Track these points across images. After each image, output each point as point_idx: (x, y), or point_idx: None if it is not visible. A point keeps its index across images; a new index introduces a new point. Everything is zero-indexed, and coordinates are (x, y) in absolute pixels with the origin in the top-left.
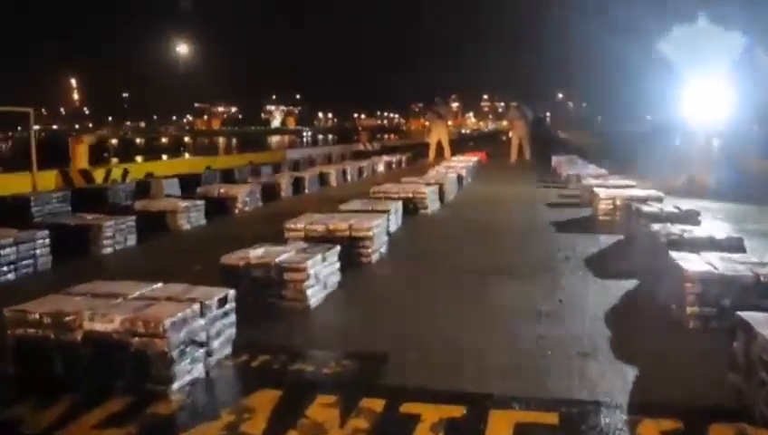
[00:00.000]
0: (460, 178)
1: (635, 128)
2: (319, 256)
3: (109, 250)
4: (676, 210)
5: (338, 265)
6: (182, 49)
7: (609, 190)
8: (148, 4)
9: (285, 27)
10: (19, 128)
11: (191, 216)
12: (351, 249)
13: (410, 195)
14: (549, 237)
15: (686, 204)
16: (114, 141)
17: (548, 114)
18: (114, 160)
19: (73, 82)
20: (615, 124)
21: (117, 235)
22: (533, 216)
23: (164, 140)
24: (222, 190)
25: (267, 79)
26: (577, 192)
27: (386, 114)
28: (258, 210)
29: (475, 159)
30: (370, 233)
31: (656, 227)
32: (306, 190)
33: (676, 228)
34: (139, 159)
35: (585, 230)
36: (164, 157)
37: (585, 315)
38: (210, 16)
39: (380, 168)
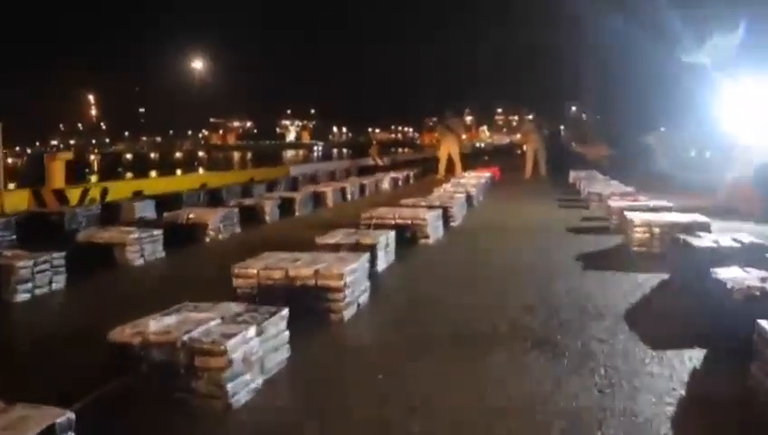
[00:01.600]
0: (470, 198)
1: (650, 139)
2: (252, 329)
3: (24, 296)
4: (736, 244)
5: (285, 335)
6: (198, 64)
7: (644, 215)
8: (165, 20)
9: (300, 42)
10: (37, 143)
11: (144, 248)
12: (318, 302)
13: (408, 221)
14: (576, 279)
15: (733, 228)
16: (93, 158)
17: (562, 127)
18: (93, 179)
19: (91, 97)
20: (630, 136)
21: (37, 277)
22: (554, 247)
23: (178, 154)
24: (191, 216)
25: (282, 93)
26: (602, 214)
27: (400, 128)
28: (233, 239)
29: (487, 175)
30: (341, 282)
31: (722, 274)
32: (297, 213)
33: (753, 277)
34: (129, 175)
35: (619, 266)
36: (153, 173)
37: None
38: (225, 31)
39: (385, 185)
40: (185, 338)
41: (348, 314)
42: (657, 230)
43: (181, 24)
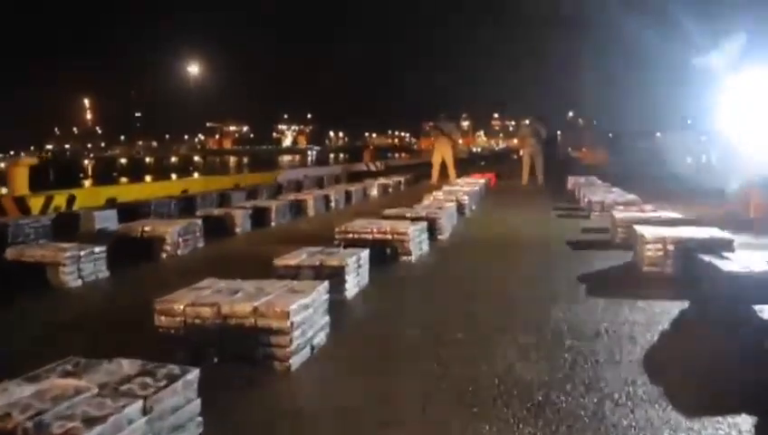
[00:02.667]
0: (461, 207)
1: (647, 144)
2: (135, 406)
3: None
4: None
5: (195, 405)
6: (195, 68)
7: (656, 229)
8: (163, 24)
9: (297, 46)
10: (32, 148)
11: (83, 268)
12: (257, 347)
13: (388, 236)
14: (580, 310)
15: (755, 245)
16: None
17: (558, 132)
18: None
19: (86, 101)
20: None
21: None
22: (552, 266)
23: (174, 159)
24: (147, 228)
25: (279, 98)
26: (604, 225)
27: (397, 133)
28: (193, 255)
29: (482, 181)
30: (287, 323)
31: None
32: (273, 223)
33: None
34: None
35: (629, 291)
36: (124, 179)
37: None
38: (222, 35)
39: (374, 192)
40: (28, 425)
41: (297, 361)
42: (671, 248)
43: (179, 28)
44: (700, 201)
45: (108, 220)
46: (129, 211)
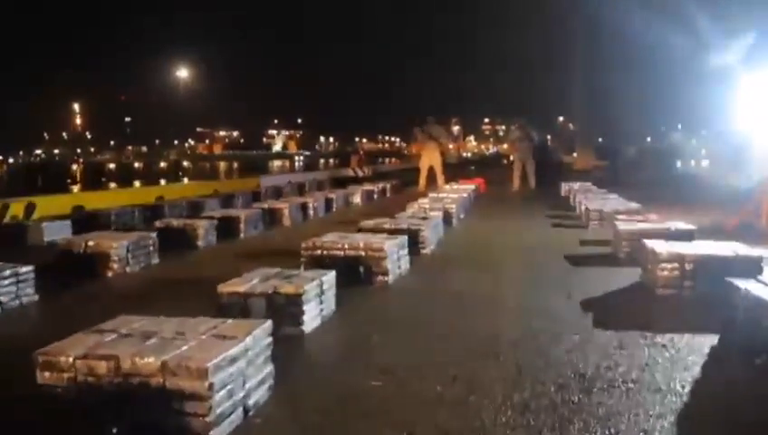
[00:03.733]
0: (448, 217)
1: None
2: None
3: None
4: None
5: None
6: (185, 73)
7: (670, 245)
8: (152, 29)
9: (288, 51)
10: (21, 153)
11: (3, 291)
12: (170, 416)
13: (361, 253)
14: (588, 349)
15: None
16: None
17: (549, 137)
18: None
19: (76, 106)
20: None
21: None
22: (550, 289)
23: (162, 164)
24: (91, 243)
25: (269, 103)
26: (604, 236)
27: (388, 138)
28: (145, 273)
29: (471, 187)
30: (204, 385)
31: None
32: (242, 235)
33: None
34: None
35: (644, 321)
36: (132, 183)
37: None
38: (213, 41)
39: (357, 199)
40: None
41: (221, 432)
42: (690, 267)
43: (169, 34)
44: (705, 208)
45: (60, 232)
46: (86, 221)
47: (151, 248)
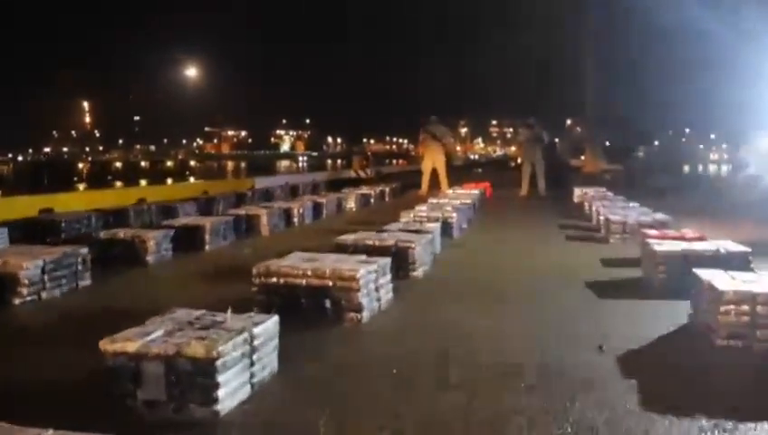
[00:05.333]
0: (448, 227)
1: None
2: None
3: None
4: None
5: None
6: (193, 72)
7: (734, 280)
8: (161, 29)
9: (297, 51)
10: (30, 150)
11: None
12: None
13: (328, 281)
14: None
15: None
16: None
17: (556, 140)
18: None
19: (85, 104)
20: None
21: None
22: (573, 332)
23: (169, 163)
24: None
25: (277, 103)
26: (630, 254)
27: (395, 139)
28: (64, 300)
29: (476, 192)
30: None
31: None
32: (207, 247)
33: None
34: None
35: (713, 397)
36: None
37: None
38: (221, 40)
39: (351, 204)
40: None
41: None
42: (762, 310)
43: (177, 33)
44: (739, 220)
45: None
46: (31, 228)
47: (80, 267)
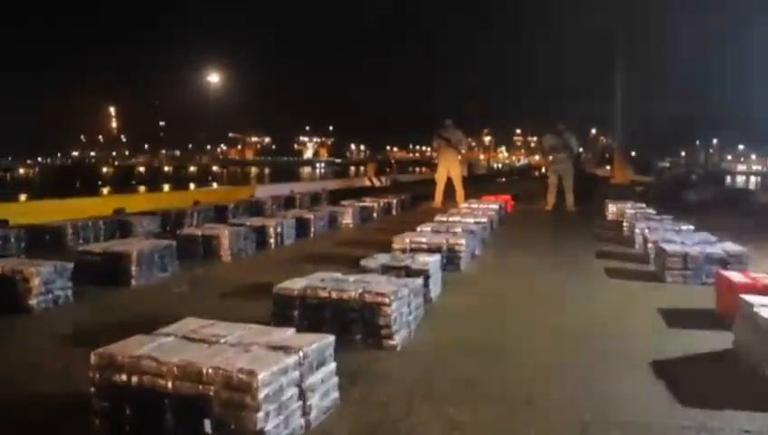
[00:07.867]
0: (454, 258)
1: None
2: None
3: None
4: None
5: None
6: (218, 79)
7: None
8: (187, 36)
9: (319, 58)
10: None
11: None
12: None
13: (208, 389)
14: None
15: None
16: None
17: (581, 150)
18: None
19: (112, 110)
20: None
21: None
22: None
23: (192, 168)
24: None
25: (301, 109)
26: (699, 302)
27: (418, 147)
28: None
29: (495, 206)
30: None
31: None
32: (134, 281)
33: None
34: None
35: None
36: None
37: None
38: (247, 47)
39: (348, 219)
40: None
41: None
42: None
43: (203, 40)
44: None
45: None
46: None
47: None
